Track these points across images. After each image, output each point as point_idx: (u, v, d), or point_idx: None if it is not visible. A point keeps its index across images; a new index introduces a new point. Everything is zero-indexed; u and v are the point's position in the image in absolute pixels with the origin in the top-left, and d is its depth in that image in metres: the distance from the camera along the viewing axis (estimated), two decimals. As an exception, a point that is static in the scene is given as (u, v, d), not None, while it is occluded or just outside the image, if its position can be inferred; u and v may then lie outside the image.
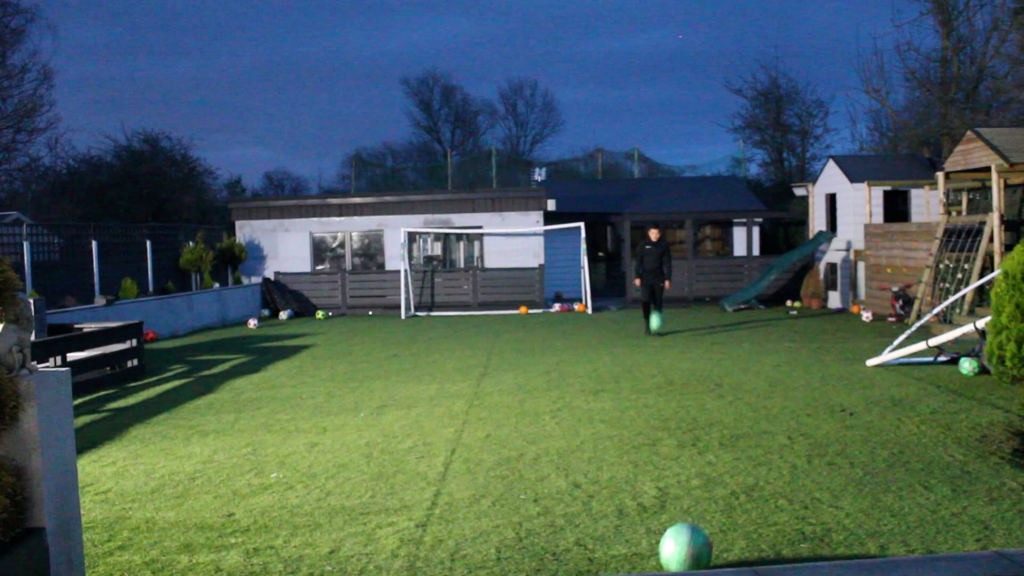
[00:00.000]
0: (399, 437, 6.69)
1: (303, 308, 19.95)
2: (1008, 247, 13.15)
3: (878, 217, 17.76)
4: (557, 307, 19.61)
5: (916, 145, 23.65)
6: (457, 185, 32.51)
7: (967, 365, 8.64)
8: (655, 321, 13.22)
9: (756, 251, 21.12)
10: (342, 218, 20.99)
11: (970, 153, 14.22)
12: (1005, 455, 5.58)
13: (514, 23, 77.01)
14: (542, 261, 20.50)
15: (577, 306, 19.43)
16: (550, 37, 77.47)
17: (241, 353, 12.71)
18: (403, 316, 18.96)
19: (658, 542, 4.18)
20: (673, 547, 3.79)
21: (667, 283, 13.33)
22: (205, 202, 32.10)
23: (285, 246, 21.06)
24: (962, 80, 22.97)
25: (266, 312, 19.76)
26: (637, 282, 13.67)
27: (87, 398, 9.07)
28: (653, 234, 13.44)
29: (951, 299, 11.13)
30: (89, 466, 6.07)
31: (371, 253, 21.26)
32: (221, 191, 35.51)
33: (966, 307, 13.28)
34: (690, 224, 21.19)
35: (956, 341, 9.47)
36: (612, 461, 5.74)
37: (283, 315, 19.06)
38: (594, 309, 18.99)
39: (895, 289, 15.43)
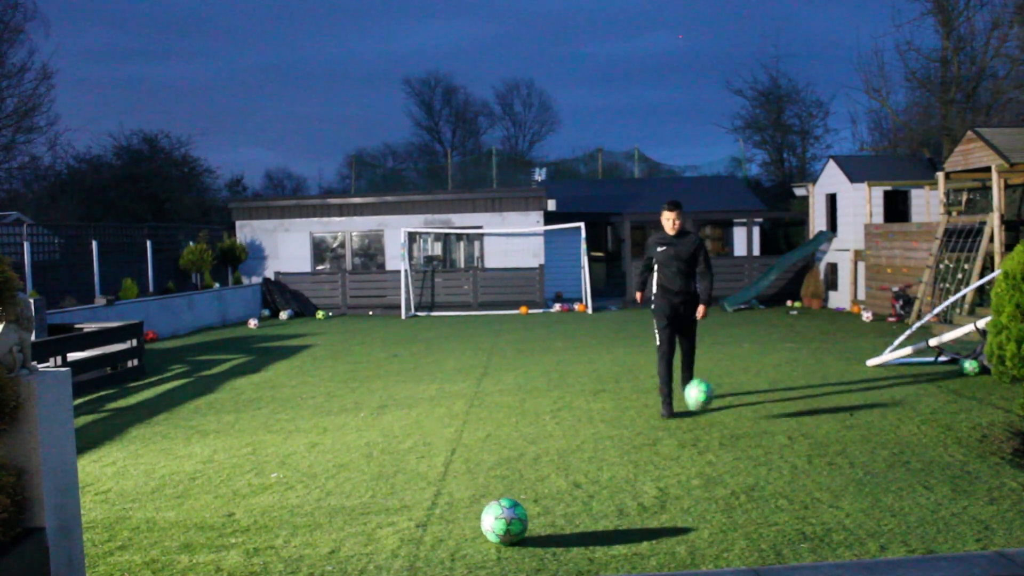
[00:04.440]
0: (399, 437, 6.69)
1: (303, 308, 19.95)
2: (1008, 247, 13.15)
3: (878, 217, 17.76)
4: (557, 307, 19.62)
5: (916, 145, 23.65)
6: (457, 185, 32.51)
7: (967, 365, 8.64)
8: (695, 393, 6.90)
9: (756, 251, 21.13)
10: (342, 218, 20.99)
11: (970, 153, 14.22)
12: (1005, 455, 5.58)
13: (515, 26, 77.06)
14: (542, 261, 20.50)
15: (577, 306, 19.43)
16: (551, 39, 77.53)
17: (241, 353, 12.71)
18: (403, 316, 18.96)
19: (658, 542, 4.18)
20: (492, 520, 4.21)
21: (702, 309, 7.31)
22: (205, 202, 32.12)
23: (285, 246, 21.06)
24: (962, 80, 22.96)
25: (266, 312, 19.76)
26: (638, 297, 7.93)
27: (87, 398, 9.07)
28: (669, 220, 7.32)
29: (951, 299, 11.14)
30: (89, 466, 6.07)
31: (371, 253, 21.26)
32: (222, 191, 35.55)
33: (966, 307, 13.28)
34: (690, 224, 21.19)
35: (956, 341, 9.47)
36: (612, 461, 5.74)
37: (283, 315, 19.06)
38: (594, 309, 18.99)
39: (895, 289, 15.43)
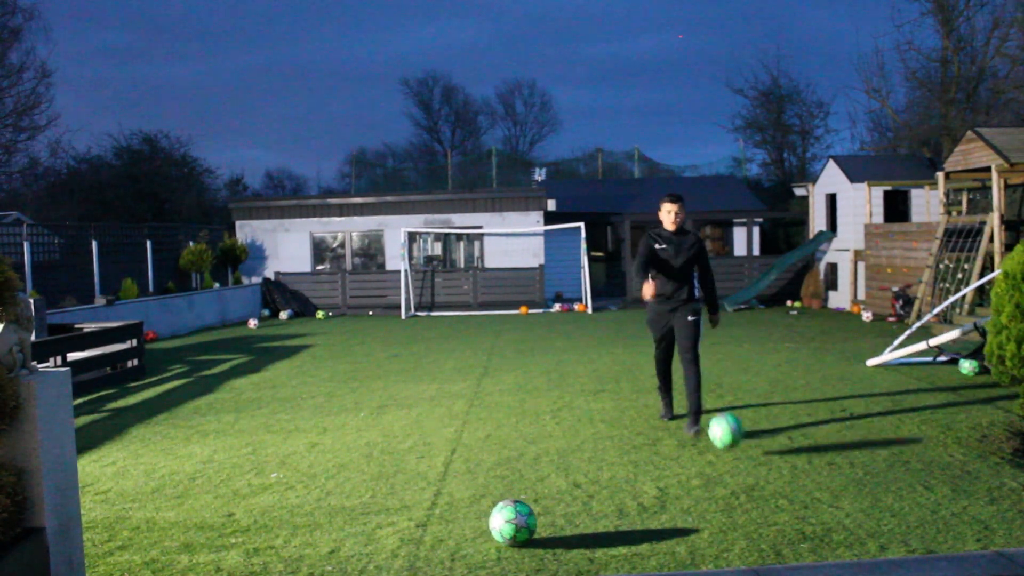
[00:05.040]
0: (399, 437, 6.69)
1: (303, 308, 19.95)
2: (1008, 247, 13.16)
3: (878, 217, 17.76)
4: (557, 307, 19.62)
5: (916, 145, 23.66)
6: (457, 185, 32.52)
7: (967, 365, 8.64)
8: (719, 432, 5.68)
9: (756, 251, 21.12)
10: (342, 218, 21.00)
11: (970, 153, 14.23)
12: (1005, 455, 5.58)
13: (515, 27, 77.08)
14: (542, 261, 20.50)
15: (577, 306, 19.43)
16: (551, 40, 77.55)
17: (241, 353, 12.71)
18: (403, 316, 18.95)
19: (658, 542, 4.18)
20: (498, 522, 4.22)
21: (716, 319, 6.83)
22: (205, 202, 32.12)
23: (285, 246, 21.06)
24: (962, 80, 22.97)
25: (266, 312, 19.76)
26: (648, 291, 6.22)
27: (87, 398, 9.07)
28: (670, 213, 6.53)
29: (951, 299, 11.14)
30: (89, 466, 6.07)
31: (371, 253, 21.26)
32: (221, 191, 35.55)
33: (966, 307, 13.28)
34: (690, 224, 21.19)
35: (956, 341, 9.47)
36: (612, 461, 5.74)
37: (283, 315, 19.06)
38: (594, 309, 18.99)
39: (895, 289, 15.43)
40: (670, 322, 6.61)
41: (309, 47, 75.53)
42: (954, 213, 15.75)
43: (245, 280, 20.58)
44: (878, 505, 4.64)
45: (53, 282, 14.46)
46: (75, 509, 3.48)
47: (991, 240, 13.40)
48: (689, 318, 6.49)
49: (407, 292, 19.44)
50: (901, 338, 9.80)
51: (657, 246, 6.53)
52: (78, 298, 14.48)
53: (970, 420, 6.65)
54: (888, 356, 9.53)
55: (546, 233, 20.84)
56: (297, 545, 4.31)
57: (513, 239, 20.70)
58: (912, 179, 17.89)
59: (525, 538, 4.17)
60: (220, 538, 4.45)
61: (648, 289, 6.27)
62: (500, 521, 4.18)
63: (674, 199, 6.54)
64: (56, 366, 9.10)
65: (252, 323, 17.30)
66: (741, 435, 5.67)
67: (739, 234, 23.37)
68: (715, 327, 6.80)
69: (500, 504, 4.28)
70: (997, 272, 7.76)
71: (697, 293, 6.63)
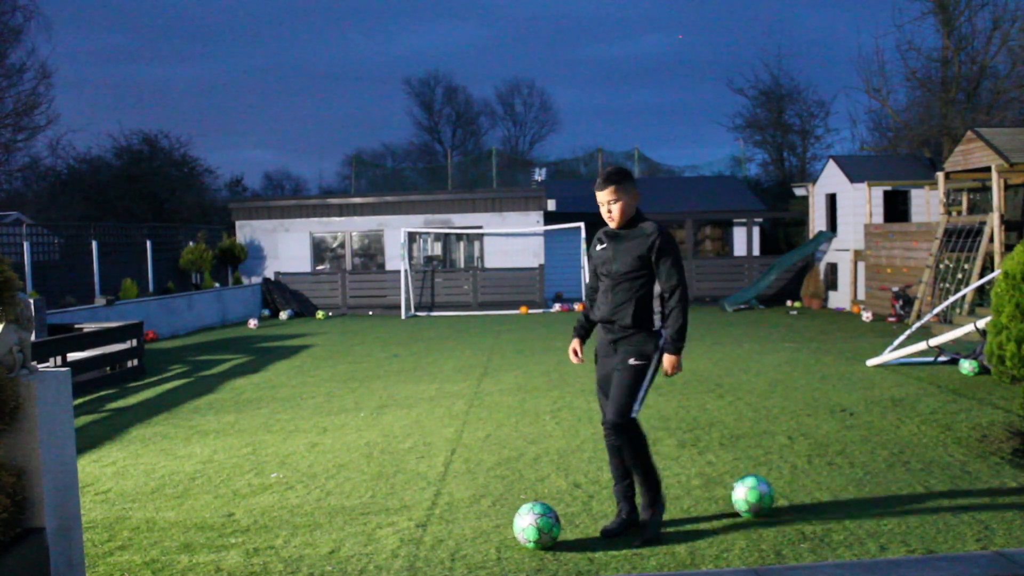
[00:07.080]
0: (399, 437, 6.69)
1: (303, 308, 19.95)
2: (1008, 247, 13.15)
3: (878, 217, 17.76)
4: (557, 307, 19.62)
5: (916, 145, 23.66)
6: (457, 185, 32.51)
7: (967, 365, 8.64)
8: (742, 492, 4.39)
9: (756, 251, 21.13)
10: (342, 218, 21.00)
11: (970, 153, 14.22)
12: (1005, 455, 5.58)
13: (515, 28, 77.06)
14: (542, 261, 20.50)
15: (577, 306, 19.43)
16: (551, 41, 77.54)
17: (241, 353, 12.71)
18: (403, 316, 18.96)
19: (658, 543, 4.18)
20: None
21: (670, 361, 4.16)
22: (205, 202, 32.12)
23: (285, 246, 21.06)
24: (963, 80, 22.98)
25: (266, 312, 19.76)
26: (574, 350, 4.90)
27: (87, 398, 9.07)
28: (603, 206, 4.30)
29: (951, 299, 11.13)
30: (89, 466, 6.07)
31: (371, 253, 21.26)
32: (221, 191, 35.55)
33: (966, 307, 13.28)
34: (690, 224, 21.20)
35: (956, 341, 9.47)
36: (612, 461, 5.74)
37: (283, 315, 19.06)
38: (594, 309, 18.97)
39: (895, 289, 15.43)
40: (608, 355, 4.41)
41: (310, 47, 75.56)
42: (954, 213, 15.75)
43: (245, 280, 20.58)
44: (878, 505, 4.64)
45: (53, 282, 14.46)
46: (75, 509, 3.48)
47: (991, 240, 13.40)
48: (631, 361, 4.19)
49: (407, 292, 19.44)
50: (901, 338, 9.80)
51: (599, 248, 4.45)
52: (78, 298, 14.49)
53: (970, 420, 6.65)
54: (888, 356, 9.53)
55: (546, 233, 20.85)
56: (297, 545, 4.31)
57: (513, 239, 20.70)
58: (912, 179, 17.89)
59: (539, 547, 4.12)
60: (220, 538, 4.45)
61: (575, 348, 4.68)
62: (531, 520, 4.07)
63: (605, 181, 4.23)
64: (56, 366, 9.10)
65: (252, 323, 17.30)
66: (767, 499, 4.35)
67: (739, 234, 23.36)
68: (671, 374, 4.21)
69: (532, 505, 4.16)
70: (997, 272, 7.77)
71: (657, 321, 4.24)
